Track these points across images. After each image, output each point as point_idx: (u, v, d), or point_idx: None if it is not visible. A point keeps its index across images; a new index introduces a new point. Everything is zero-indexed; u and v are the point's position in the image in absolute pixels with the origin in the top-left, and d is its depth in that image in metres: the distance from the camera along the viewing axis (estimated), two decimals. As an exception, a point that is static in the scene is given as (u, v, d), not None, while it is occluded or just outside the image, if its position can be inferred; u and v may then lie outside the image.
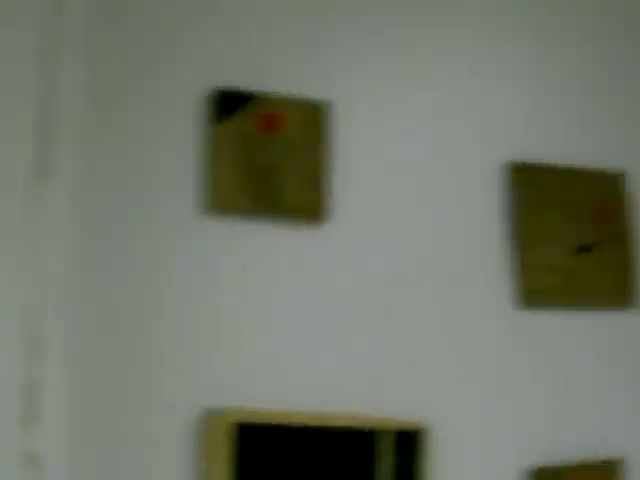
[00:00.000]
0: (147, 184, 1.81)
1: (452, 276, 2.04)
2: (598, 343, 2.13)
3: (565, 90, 2.22)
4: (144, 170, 1.82)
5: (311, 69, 1.98)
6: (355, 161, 1.99)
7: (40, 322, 1.67)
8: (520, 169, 2.13)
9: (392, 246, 1.99)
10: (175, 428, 1.76)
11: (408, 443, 1.87)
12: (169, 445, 1.75)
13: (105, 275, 1.75)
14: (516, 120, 2.16)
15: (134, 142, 1.82)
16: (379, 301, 1.96)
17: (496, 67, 2.16)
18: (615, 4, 2.30)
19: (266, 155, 1.89)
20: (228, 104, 1.87)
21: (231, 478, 1.73)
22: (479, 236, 2.08)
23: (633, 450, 2.10)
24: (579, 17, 2.24)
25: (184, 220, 1.83)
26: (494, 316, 2.06)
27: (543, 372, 2.07)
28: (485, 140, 2.12)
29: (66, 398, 1.69)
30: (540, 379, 2.06)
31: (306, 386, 1.87)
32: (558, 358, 2.09)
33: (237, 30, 1.93)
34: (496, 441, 2.01)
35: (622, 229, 2.19)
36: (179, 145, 1.85)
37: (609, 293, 2.15)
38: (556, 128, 2.19)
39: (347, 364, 1.91)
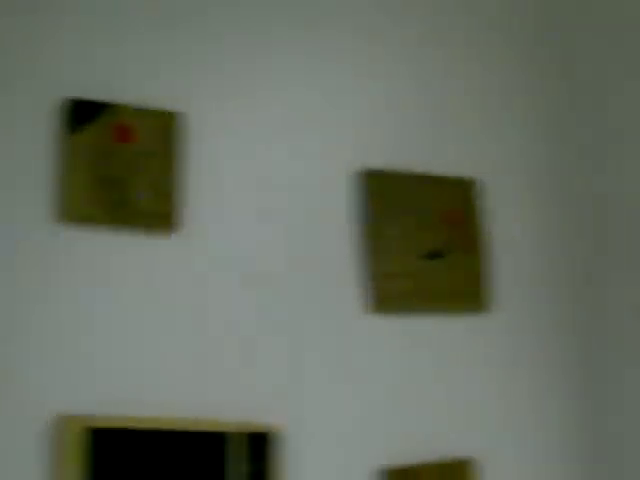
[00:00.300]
0: (-1, 194, 1.84)
1: (306, 282, 2.09)
2: (449, 346, 2.21)
3: (419, 100, 2.29)
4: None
5: (164, 80, 2.01)
6: (209, 170, 2.03)
7: None
8: (373, 176, 2.20)
9: (245, 254, 2.04)
10: (28, 433, 1.79)
11: (260, 446, 1.93)
12: (22, 450, 1.78)
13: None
14: (370, 128, 2.23)
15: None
16: (226, 308, 2.00)
17: (350, 76, 2.23)
18: (453, 8, 2.38)
19: (119, 165, 1.92)
20: (81, 114, 1.90)
21: (82, 482, 1.77)
22: (334, 242, 2.14)
23: (481, 450, 2.19)
24: (426, 23, 2.33)
25: (37, 230, 1.85)
26: (346, 321, 2.12)
27: (394, 375, 2.14)
28: (339, 148, 2.18)
29: None
30: (391, 382, 2.13)
31: (159, 392, 1.91)
32: (409, 361, 2.16)
33: (91, 42, 1.96)
34: (348, 442, 2.06)
35: (473, 235, 2.27)
36: (32, 156, 1.87)
37: (460, 297, 2.23)
38: (409, 136, 2.27)
39: (200, 370, 1.95)
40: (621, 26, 2.42)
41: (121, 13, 2.01)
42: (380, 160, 2.23)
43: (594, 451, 2.30)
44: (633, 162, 2.33)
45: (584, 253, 2.41)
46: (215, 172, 2.04)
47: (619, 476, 2.24)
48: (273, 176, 2.10)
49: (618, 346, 2.30)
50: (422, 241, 2.22)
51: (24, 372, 1.81)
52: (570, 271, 2.40)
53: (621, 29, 2.42)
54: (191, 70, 2.05)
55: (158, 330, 1.93)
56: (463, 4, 2.43)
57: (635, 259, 2.27)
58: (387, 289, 2.16)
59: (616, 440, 2.27)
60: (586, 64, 2.47)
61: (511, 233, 2.35)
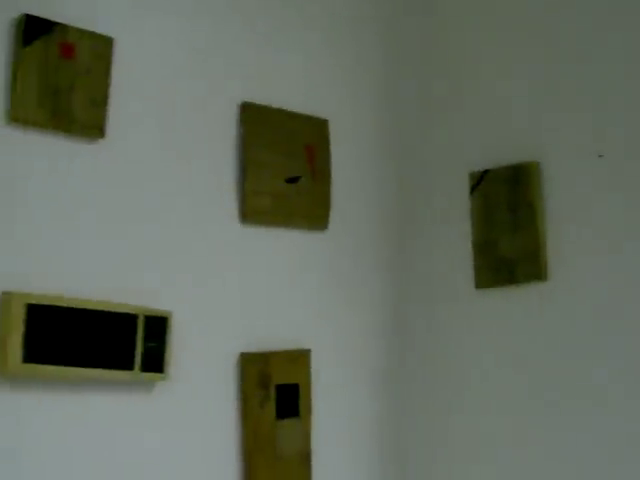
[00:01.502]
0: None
1: (191, 196, 2.47)
2: (300, 256, 2.68)
3: (298, 47, 2.73)
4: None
5: (103, 7, 2.31)
6: (132, 88, 2.36)
7: None
8: (250, 109, 2.60)
9: (153, 164, 2.39)
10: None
11: (157, 327, 2.31)
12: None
13: None
14: (251, 67, 2.62)
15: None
16: (139, 209, 2.35)
17: (240, 18, 2.61)
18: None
19: (62, 77, 2.20)
20: (33, 30, 2.15)
21: (23, 352, 2.07)
22: (215, 164, 2.53)
23: (316, 341, 2.69)
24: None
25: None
26: (221, 229, 2.53)
27: (255, 275, 2.58)
28: (225, 83, 2.56)
29: None
30: (252, 281, 2.57)
31: (86, 277, 2.23)
32: (269, 266, 2.61)
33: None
34: (216, 330, 2.48)
35: (324, 166, 2.74)
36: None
37: (310, 217, 2.70)
38: (281, 78, 2.69)
39: (114, 261, 2.29)
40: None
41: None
42: (259, 96, 2.63)
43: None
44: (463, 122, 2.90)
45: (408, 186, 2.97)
46: (137, 91, 2.37)
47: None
48: (174, 101, 2.45)
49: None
50: (285, 168, 2.65)
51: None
52: (388, 205, 2.94)
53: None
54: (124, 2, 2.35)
55: (87, 222, 2.24)
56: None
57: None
58: (254, 205, 2.58)
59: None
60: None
61: (351, 166, 2.84)
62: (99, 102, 2.25)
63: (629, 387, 2.47)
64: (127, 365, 2.25)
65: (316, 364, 2.66)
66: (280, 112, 2.65)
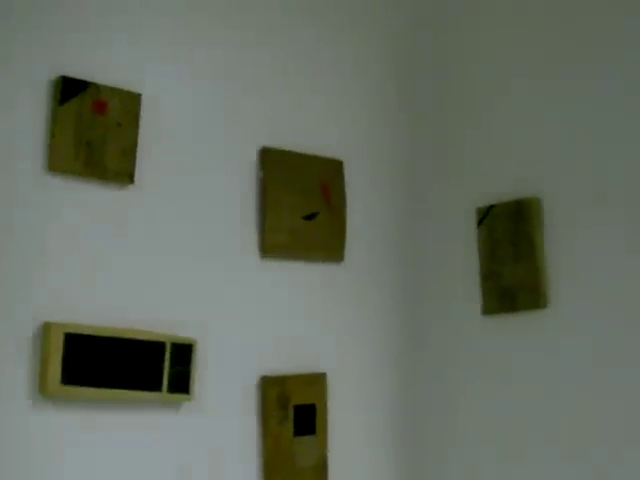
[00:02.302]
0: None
1: (214, 233, 2.72)
2: (317, 286, 2.93)
3: (310, 92, 3.00)
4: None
5: (129, 65, 2.58)
6: (159, 138, 2.63)
7: None
8: (269, 153, 2.86)
9: (180, 206, 2.66)
10: (17, 337, 2.33)
11: (183, 353, 2.57)
12: (13, 350, 2.32)
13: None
14: (270, 114, 2.88)
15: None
16: (167, 247, 2.62)
17: (252, 69, 2.88)
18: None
19: (95, 131, 2.48)
20: (68, 90, 2.43)
21: (61, 375, 2.34)
22: (237, 204, 2.79)
23: (332, 366, 2.93)
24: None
25: (32, 178, 2.38)
26: (242, 263, 2.78)
27: (278, 305, 2.83)
28: (245, 130, 2.83)
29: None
30: (274, 310, 2.82)
31: (119, 308, 2.50)
32: (288, 296, 2.86)
33: (81, 33, 2.49)
34: (240, 355, 2.74)
35: (339, 204, 2.99)
36: (31, 121, 2.39)
37: (327, 250, 2.95)
38: (298, 123, 2.95)
39: (144, 293, 2.55)
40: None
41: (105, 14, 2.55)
42: (276, 141, 2.89)
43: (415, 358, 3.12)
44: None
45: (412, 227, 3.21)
46: (163, 140, 2.64)
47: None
48: (200, 150, 2.72)
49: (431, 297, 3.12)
50: (302, 206, 2.91)
51: (18, 289, 2.35)
52: (401, 237, 3.18)
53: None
54: (151, 59, 2.64)
55: (119, 259, 2.51)
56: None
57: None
58: (273, 240, 2.84)
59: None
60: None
61: (366, 202, 3.09)
62: (128, 152, 2.52)
63: (626, 412, 2.65)
64: (156, 387, 2.51)
65: (333, 386, 2.89)
66: (297, 155, 2.91)
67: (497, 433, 2.94)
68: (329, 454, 2.86)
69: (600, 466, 2.68)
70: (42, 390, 2.32)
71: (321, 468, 2.82)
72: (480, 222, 3.05)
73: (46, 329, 2.35)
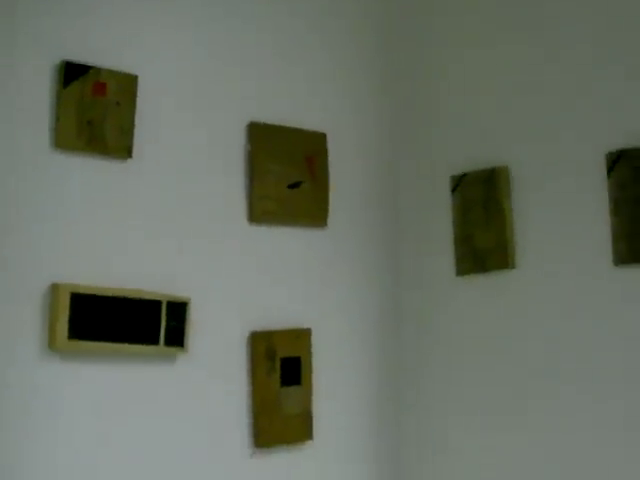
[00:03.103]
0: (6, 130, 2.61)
1: (206, 201, 2.98)
2: (302, 249, 3.19)
3: (297, 70, 3.25)
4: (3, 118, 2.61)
5: (126, 50, 2.83)
6: (154, 115, 2.88)
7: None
8: (256, 127, 3.10)
9: (174, 176, 2.91)
10: (29, 297, 2.60)
11: (178, 310, 2.84)
12: (25, 309, 2.59)
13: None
14: (256, 91, 3.13)
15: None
16: (162, 214, 2.88)
17: (240, 46, 3.12)
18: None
19: (95, 111, 2.73)
20: (71, 74, 2.68)
21: (68, 331, 2.61)
22: (227, 175, 3.04)
23: (316, 322, 3.20)
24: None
25: (37, 154, 2.64)
26: (232, 228, 3.04)
27: (266, 267, 3.09)
28: (234, 106, 3.07)
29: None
30: (262, 271, 3.08)
31: (119, 269, 2.77)
32: (275, 258, 3.12)
33: (83, 18, 2.74)
34: (231, 312, 3.00)
35: (322, 173, 3.25)
36: (37, 103, 2.64)
37: (311, 217, 3.21)
38: (284, 99, 3.19)
39: (142, 256, 2.82)
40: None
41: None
42: (262, 115, 3.14)
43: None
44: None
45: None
46: (158, 117, 2.89)
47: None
48: (198, 124, 2.98)
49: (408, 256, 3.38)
50: (287, 175, 3.16)
51: (29, 255, 2.61)
52: (381, 204, 3.44)
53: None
54: (145, 45, 2.88)
55: (119, 225, 2.77)
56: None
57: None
58: (261, 207, 3.09)
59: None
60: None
61: (348, 172, 3.35)
62: (127, 129, 2.78)
63: (592, 363, 2.92)
64: (153, 341, 2.78)
65: (317, 341, 3.17)
66: (282, 129, 3.16)
67: (467, 377, 3.23)
68: (313, 403, 3.13)
69: (569, 414, 2.96)
70: (51, 344, 2.59)
71: (306, 416, 3.09)
72: (454, 189, 3.31)
73: (54, 290, 2.62)
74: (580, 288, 2.97)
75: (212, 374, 2.93)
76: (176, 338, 2.84)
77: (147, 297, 2.78)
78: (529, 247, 3.11)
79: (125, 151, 2.78)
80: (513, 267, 3.14)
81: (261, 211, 3.08)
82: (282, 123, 3.17)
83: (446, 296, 3.32)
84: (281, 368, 3.06)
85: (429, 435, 3.32)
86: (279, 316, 3.11)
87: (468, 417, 3.20)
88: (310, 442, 3.12)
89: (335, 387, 3.23)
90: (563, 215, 3.03)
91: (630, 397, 2.82)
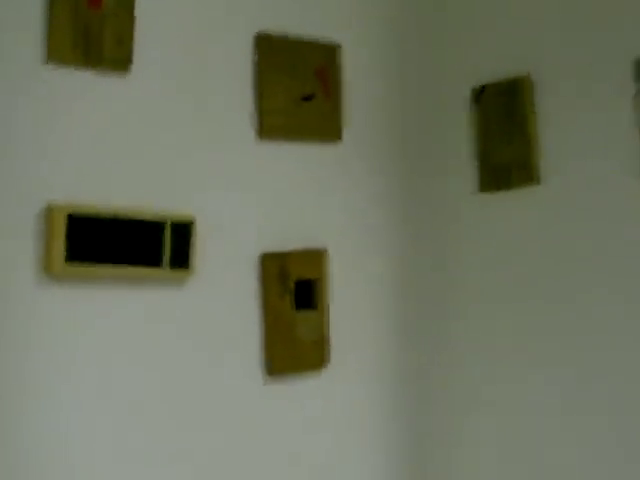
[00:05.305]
0: None
1: (212, 117, 2.83)
2: (315, 165, 3.05)
3: None
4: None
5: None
6: (154, 26, 2.72)
7: None
8: (264, 38, 2.94)
9: (177, 91, 2.76)
10: (23, 219, 2.48)
11: (183, 231, 2.71)
12: (19, 232, 2.47)
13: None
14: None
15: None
16: (165, 130, 2.73)
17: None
18: None
19: (91, 24, 2.58)
20: (61, -16, 2.53)
21: (65, 254, 2.49)
22: (232, 87, 2.88)
23: (332, 242, 3.06)
24: None
25: (30, 69, 2.50)
26: (240, 145, 2.89)
27: (277, 185, 2.95)
28: (240, 15, 2.91)
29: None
30: (273, 190, 2.94)
31: (119, 189, 2.63)
32: (286, 175, 2.98)
33: None
34: (241, 233, 2.87)
35: (335, 86, 3.08)
36: (30, 14, 2.50)
37: (323, 131, 3.05)
38: (296, 9, 3.02)
39: (144, 175, 2.68)
40: None
41: None
42: (271, 26, 2.97)
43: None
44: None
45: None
46: (158, 29, 2.73)
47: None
48: (196, 30, 2.81)
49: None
50: (298, 89, 3.00)
51: (22, 174, 2.49)
52: (398, 118, 3.27)
53: None
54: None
55: (117, 141, 2.63)
56: None
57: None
58: (270, 122, 2.94)
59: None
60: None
61: (363, 85, 3.17)
62: (124, 41, 2.62)
63: (617, 279, 2.79)
64: (157, 263, 2.66)
65: (333, 262, 3.03)
66: (292, 40, 2.99)
67: (494, 298, 3.09)
68: (330, 329, 3.00)
69: (591, 336, 2.83)
70: (47, 269, 2.48)
71: (322, 343, 2.97)
72: (474, 101, 3.13)
73: (49, 211, 2.49)
74: (611, 203, 2.80)
75: (221, 298, 2.81)
76: (181, 260, 2.71)
77: (150, 218, 2.65)
78: (555, 161, 2.93)
79: (124, 63, 2.63)
80: (538, 183, 2.97)
81: (271, 126, 2.93)
82: (292, 33, 2.99)
83: (467, 213, 3.17)
84: (295, 291, 2.93)
85: (449, 360, 3.18)
86: (292, 236, 2.97)
87: (490, 344, 3.06)
88: (326, 370, 2.99)
89: (353, 311, 3.09)
90: (591, 126, 2.85)
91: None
